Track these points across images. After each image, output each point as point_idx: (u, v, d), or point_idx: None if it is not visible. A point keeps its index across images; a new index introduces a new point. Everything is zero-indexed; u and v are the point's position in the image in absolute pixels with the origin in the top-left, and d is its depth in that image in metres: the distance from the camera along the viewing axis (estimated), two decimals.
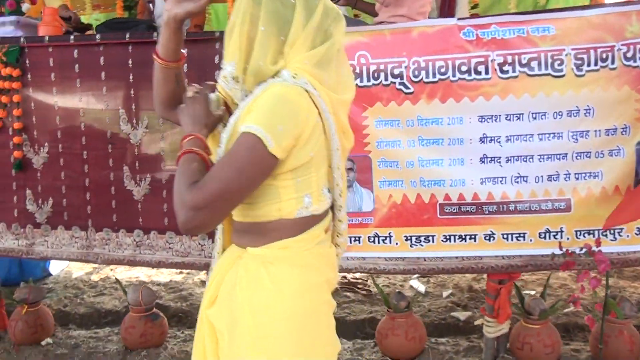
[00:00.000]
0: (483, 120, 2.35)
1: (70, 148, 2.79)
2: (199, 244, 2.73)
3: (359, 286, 3.84)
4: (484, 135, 2.37)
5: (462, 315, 3.26)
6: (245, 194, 1.18)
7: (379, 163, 2.51)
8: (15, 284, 3.26)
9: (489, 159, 2.39)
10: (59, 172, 2.81)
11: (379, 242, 2.56)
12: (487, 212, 2.43)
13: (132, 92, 2.70)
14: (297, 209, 1.25)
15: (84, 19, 4.33)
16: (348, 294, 3.74)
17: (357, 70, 2.44)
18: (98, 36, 2.72)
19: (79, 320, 3.42)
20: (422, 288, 3.77)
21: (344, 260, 2.60)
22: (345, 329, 3.25)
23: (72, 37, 2.80)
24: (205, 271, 3.10)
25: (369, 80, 2.44)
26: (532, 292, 3.40)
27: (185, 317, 3.40)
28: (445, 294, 3.67)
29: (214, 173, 1.15)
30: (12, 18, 2.84)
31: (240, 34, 1.21)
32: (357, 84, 2.41)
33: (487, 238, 2.44)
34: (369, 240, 2.57)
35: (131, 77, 2.68)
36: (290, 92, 1.18)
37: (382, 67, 2.42)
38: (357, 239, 2.58)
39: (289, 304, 1.24)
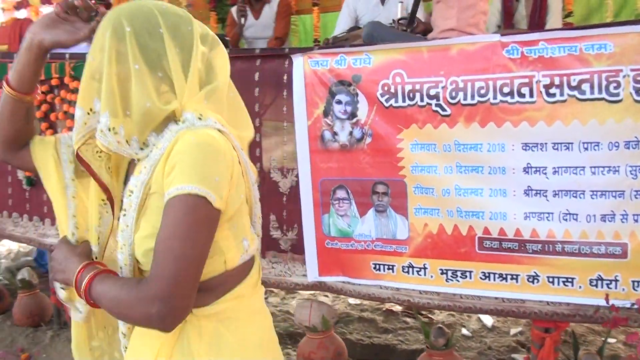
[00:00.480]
0: (527, 148, 2.11)
1: None
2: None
3: (422, 313, 3.65)
4: (528, 165, 2.12)
5: (521, 358, 2.96)
6: (204, 261, 1.04)
7: (414, 189, 2.35)
8: None
9: (533, 192, 2.13)
10: None
11: (413, 273, 2.41)
12: (530, 251, 2.17)
13: None
14: (240, 256, 1.15)
15: None
16: (407, 319, 3.58)
17: (392, 90, 2.31)
18: None
19: None
20: (489, 321, 3.48)
21: (377, 289, 2.49)
22: (393, 357, 3.12)
23: None
24: None
25: (404, 101, 2.30)
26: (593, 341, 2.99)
27: None
28: (513, 331, 3.36)
29: (162, 255, 0.99)
30: None
31: (108, 76, 1.05)
32: (392, 105, 2.31)
33: (531, 280, 2.19)
34: (403, 270, 2.43)
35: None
36: (208, 137, 1.04)
37: (417, 86, 2.27)
38: (390, 267, 2.46)
39: (256, 355, 1.17)
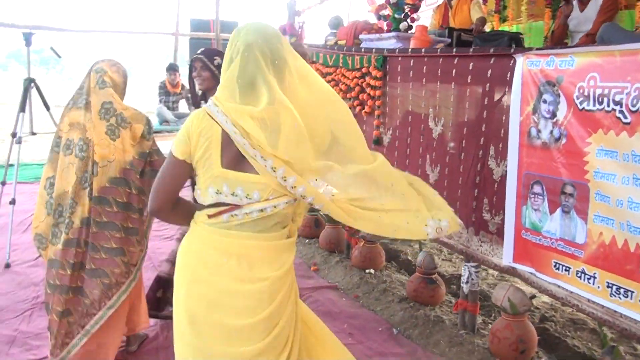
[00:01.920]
0: None
1: (402, 133, 3.75)
2: (460, 231, 3.21)
3: None
4: None
5: None
6: (169, 187, 1.75)
7: (595, 195, 2.37)
8: None
9: None
10: (394, 150, 3.82)
11: (584, 280, 2.45)
12: None
13: (437, 96, 3.38)
14: (195, 194, 1.78)
15: (517, 28, 4.96)
16: None
17: (586, 93, 2.37)
18: (423, 50, 3.51)
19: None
20: None
21: (555, 287, 2.60)
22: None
23: (422, 50, 3.65)
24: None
25: (594, 105, 2.34)
26: None
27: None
28: None
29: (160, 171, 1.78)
30: (393, 34, 3.93)
31: None
32: (584, 107, 2.39)
33: None
34: (576, 275, 2.49)
35: (438, 84, 3.36)
36: (191, 114, 1.74)
37: (606, 91, 2.27)
38: (567, 269, 2.54)
39: (180, 255, 1.83)
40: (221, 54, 2.82)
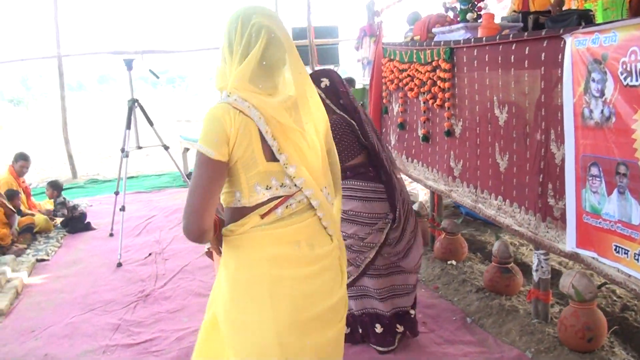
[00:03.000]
0: None
1: (471, 123, 3.81)
2: (529, 218, 3.24)
3: None
4: None
5: None
6: (208, 196, 1.56)
7: None
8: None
9: None
10: (466, 141, 3.89)
11: None
12: None
13: (499, 83, 3.43)
14: (232, 200, 1.65)
15: (601, 4, 4.72)
16: None
17: (629, 68, 2.35)
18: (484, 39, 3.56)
19: None
20: None
21: (615, 271, 2.57)
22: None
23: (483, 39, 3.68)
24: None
25: (636, 80, 2.32)
26: None
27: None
28: None
29: (191, 186, 1.59)
30: (462, 24, 4.00)
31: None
32: (628, 83, 2.38)
33: None
34: (634, 257, 2.46)
35: (499, 71, 3.41)
36: (214, 109, 1.56)
37: None
38: (626, 251, 2.51)
39: (228, 278, 1.68)
40: (327, 75, 3.03)
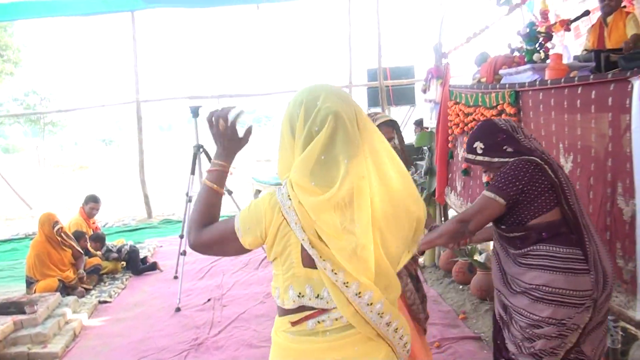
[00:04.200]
0: None
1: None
2: None
3: None
4: None
5: None
6: (215, 239, 1.59)
7: None
8: None
9: None
10: None
11: None
12: None
13: (565, 130, 3.24)
14: (274, 295, 1.61)
15: None
16: None
17: None
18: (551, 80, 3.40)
19: None
20: None
21: None
22: None
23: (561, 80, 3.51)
24: None
25: None
26: None
27: None
28: None
29: (212, 229, 1.59)
30: (529, 66, 3.86)
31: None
32: None
33: None
34: None
35: (565, 116, 3.23)
36: (259, 199, 1.56)
37: None
38: None
39: None
40: (479, 138, 2.55)
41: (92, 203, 6.37)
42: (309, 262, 1.50)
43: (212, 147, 1.82)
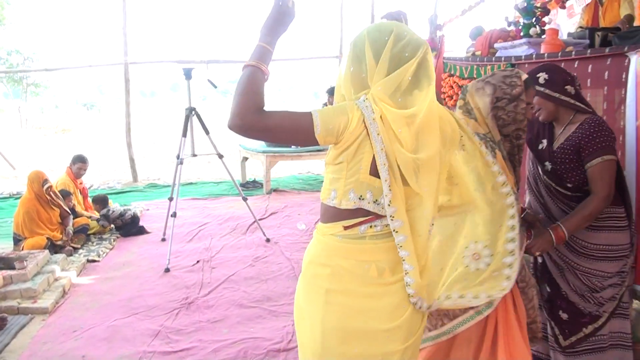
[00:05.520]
0: None
1: None
2: None
3: None
4: None
5: None
6: (285, 126, 1.60)
7: None
8: None
9: None
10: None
11: None
12: None
13: None
14: (327, 197, 1.74)
15: None
16: None
17: None
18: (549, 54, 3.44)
19: None
20: None
21: None
22: None
23: (556, 54, 3.57)
24: None
25: None
26: None
27: None
28: None
29: (279, 115, 1.59)
30: (524, 40, 3.89)
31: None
32: None
33: None
34: None
35: None
36: (345, 107, 1.64)
37: None
38: None
39: (304, 264, 1.85)
40: (544, 70, 2.52)
41: (79, 163, 6.31)
42: (374, 171, 1.65)
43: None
